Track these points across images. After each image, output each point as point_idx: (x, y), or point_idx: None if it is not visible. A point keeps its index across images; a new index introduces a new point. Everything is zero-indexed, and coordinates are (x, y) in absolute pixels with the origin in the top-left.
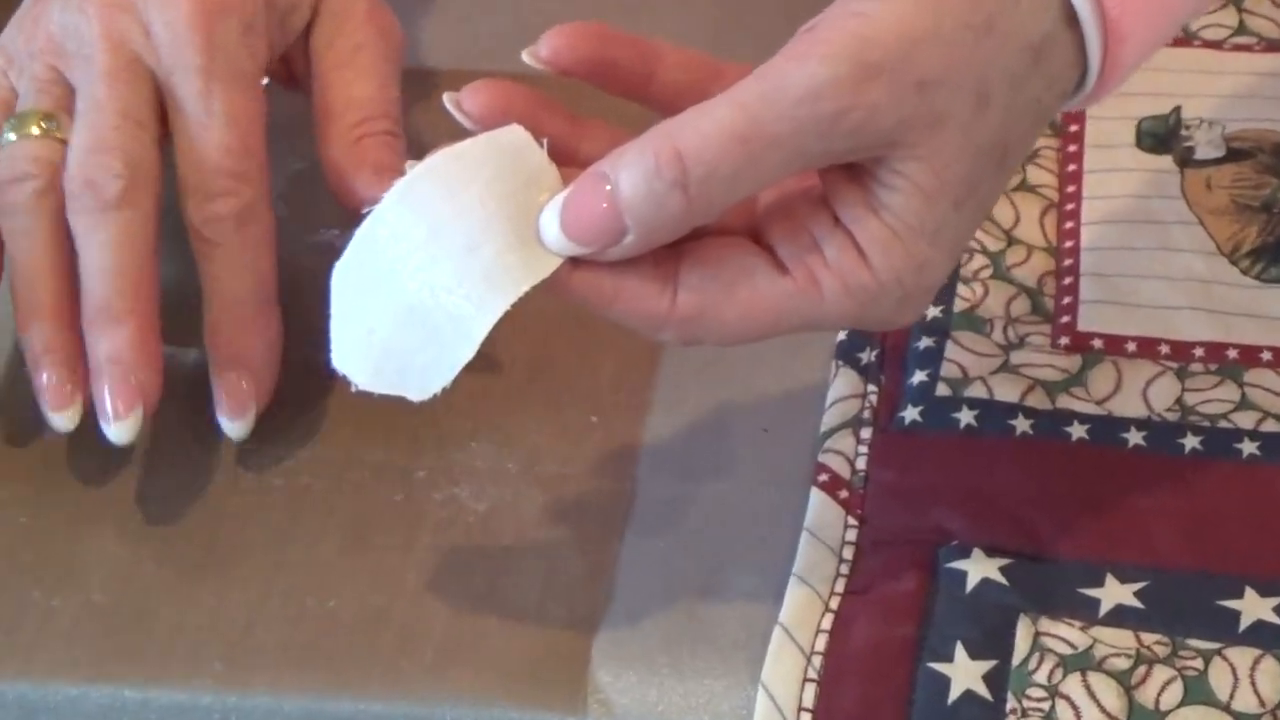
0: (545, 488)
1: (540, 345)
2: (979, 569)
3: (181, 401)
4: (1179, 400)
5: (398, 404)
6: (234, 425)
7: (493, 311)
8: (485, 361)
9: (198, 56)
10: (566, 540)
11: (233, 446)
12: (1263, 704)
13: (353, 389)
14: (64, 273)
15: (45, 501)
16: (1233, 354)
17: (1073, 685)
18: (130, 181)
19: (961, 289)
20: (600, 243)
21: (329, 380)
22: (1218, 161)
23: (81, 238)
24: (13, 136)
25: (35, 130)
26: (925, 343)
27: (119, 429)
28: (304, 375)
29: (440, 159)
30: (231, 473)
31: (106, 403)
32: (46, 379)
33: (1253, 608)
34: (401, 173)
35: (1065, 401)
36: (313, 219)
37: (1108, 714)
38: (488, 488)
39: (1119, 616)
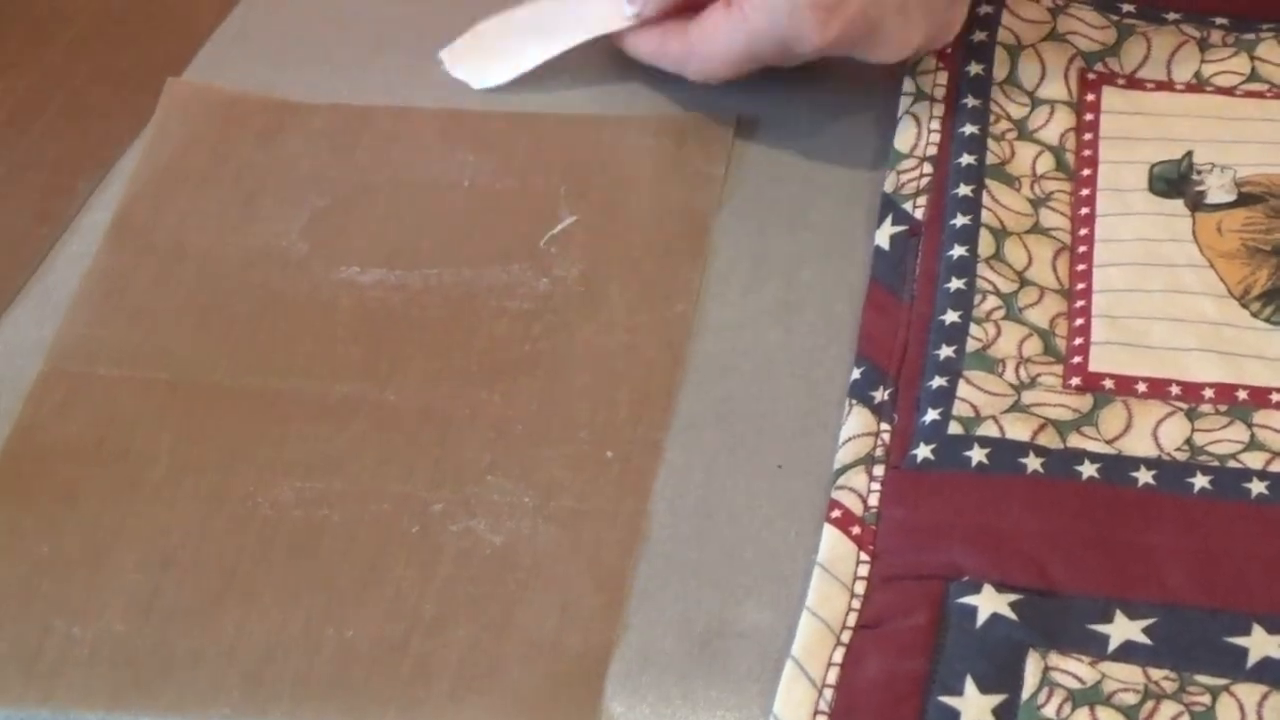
0: (561, 521)
1: (557, 381)
2: (989, 604)
3: (203, 431)
4: (1189, 440)
5: (415, 437)
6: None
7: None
8: (503, 397)
9: None
10: (581, 572)
11: (252, 476)
12: None
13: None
14: None
15: (65, 531)
16: (1242, 395)
17: None
18: None
19: (974, 329)
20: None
21: (349, 413)
22: (1229, 206)
23: None
24: None
25: None
26: (938, 382)
27: None
28: (324, 407)
29: None
30: (251, 503)
31: None
32: None
33: (1260, 644)
34: None
35: (1076, 441)
36: (335, 255)
37: None
38: (504, 520)
39: (1128, 652)
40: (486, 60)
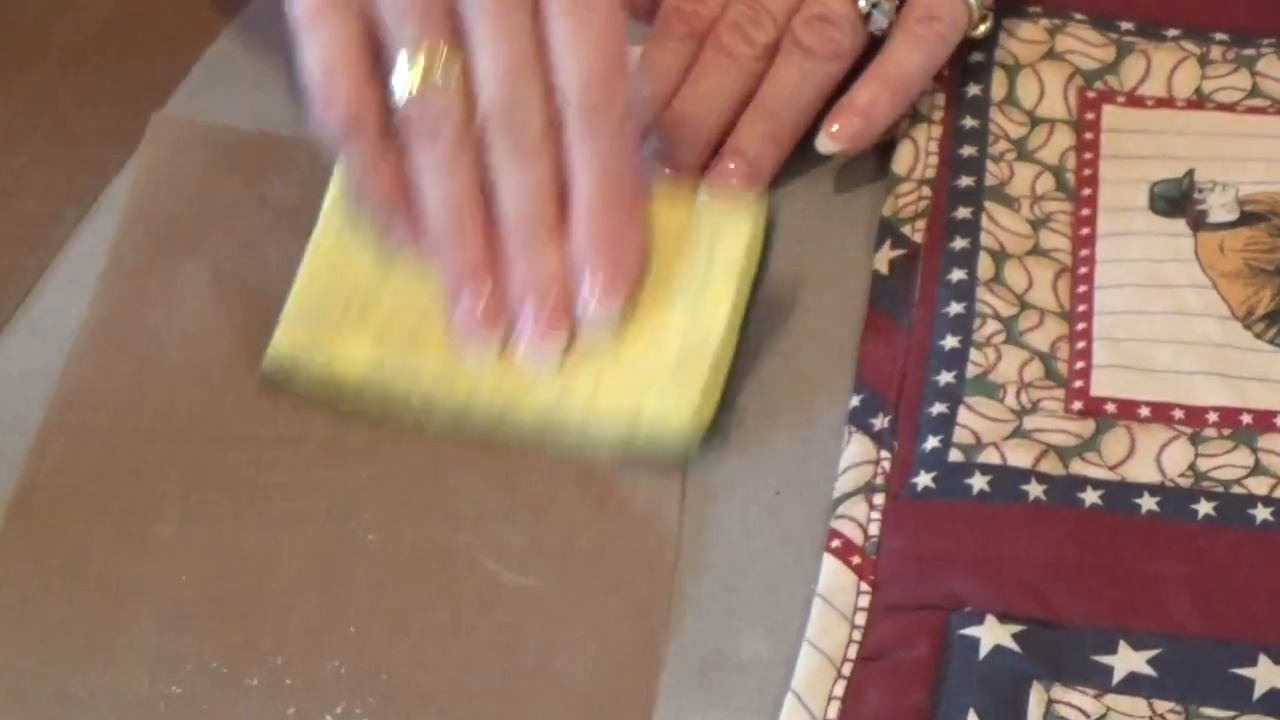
0: (586, 562)
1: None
2: (992, 635)
3: (212, 482)
4: (1192, 466)
5: (431, 479)
6: (605, 307)
7: None
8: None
9: None
10: (616, 617)
11: (266, 527)
12: None
13: None
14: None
15: (80, 590)
16: (1246, 419)
17: None
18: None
19: (974, 354)
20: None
21: (362, 458)
22: (1231, 225)
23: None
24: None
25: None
26: (938, 408)
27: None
28: (338, 453)
29: None
30: (269, 555)
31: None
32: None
33: (1267, 676)
34: None
35: (1078, 467)
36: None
37: None
38: (530, 563)
39: (1132, 684)
40: None
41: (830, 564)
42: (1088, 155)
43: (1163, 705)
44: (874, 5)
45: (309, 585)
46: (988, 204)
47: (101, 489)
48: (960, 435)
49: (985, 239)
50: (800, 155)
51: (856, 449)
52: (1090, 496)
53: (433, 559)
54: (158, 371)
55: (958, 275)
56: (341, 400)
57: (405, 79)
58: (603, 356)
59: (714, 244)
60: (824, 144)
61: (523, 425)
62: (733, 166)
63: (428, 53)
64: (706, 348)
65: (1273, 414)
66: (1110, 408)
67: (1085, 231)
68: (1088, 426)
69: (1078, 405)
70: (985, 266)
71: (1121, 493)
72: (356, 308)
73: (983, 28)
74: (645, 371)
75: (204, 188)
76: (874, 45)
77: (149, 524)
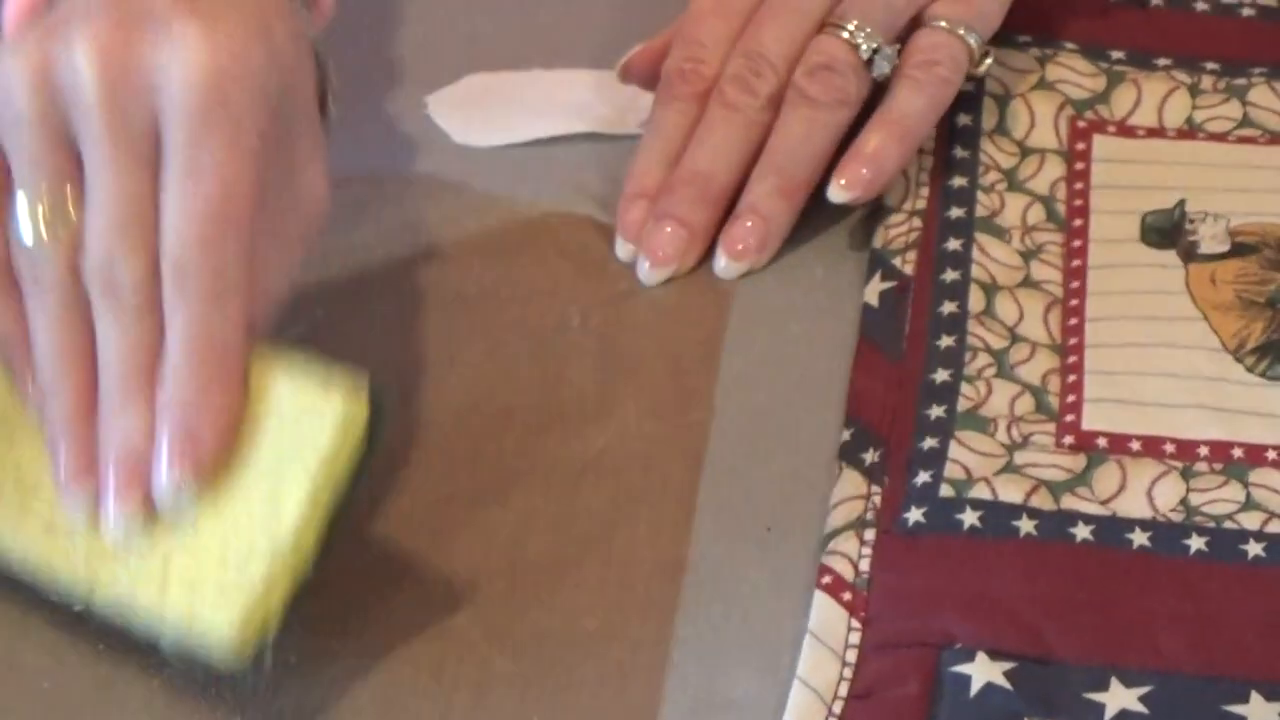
0: (590, 648)
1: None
2: (983, 673)
3: None
4: (1184, 501)
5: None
6: (174, 495)
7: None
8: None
9: None
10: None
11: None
12: None
13: None
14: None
15: (68, 666)
16: (1238, 453)
17: None
18: None
19: (965, 388)
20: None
21: (364, 563)
22: (1222, 256)
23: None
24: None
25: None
26: (929, 443)
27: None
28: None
29: None
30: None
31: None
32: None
33: (1259, 713)
34: None
35: (1069, 502)
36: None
37: None
38: (545, 650)
39: None
40: (470, 116)
41: (821, 600)
42: (1078, 185)
43: None
44: (875, 51)
45: (299, 673)
46: (978, 235)
47: None
48: (951, 470)
49: (976, 271)
50: None
51: (847, 484)
52: (1081, 532)
53: (433, 649)
54: None
55: (949, 308)
56: None
57: (24, 225)
58: (180, 538)
59: (298, 440)
60: (835, 194)
61: (103, 605)
62: (749, 224)
63: (46, 199)
64: (266, 561)
65: (1264, 448)
66: (1101, 442)
67: (1076, 263)
68: (1079, 461)
69: (1069, 439)
70: (976, 299)
71: (1113, 528)
72: None
73: (985, 65)
74: (207, 567)
75: None
76: (879, 91)
77: None
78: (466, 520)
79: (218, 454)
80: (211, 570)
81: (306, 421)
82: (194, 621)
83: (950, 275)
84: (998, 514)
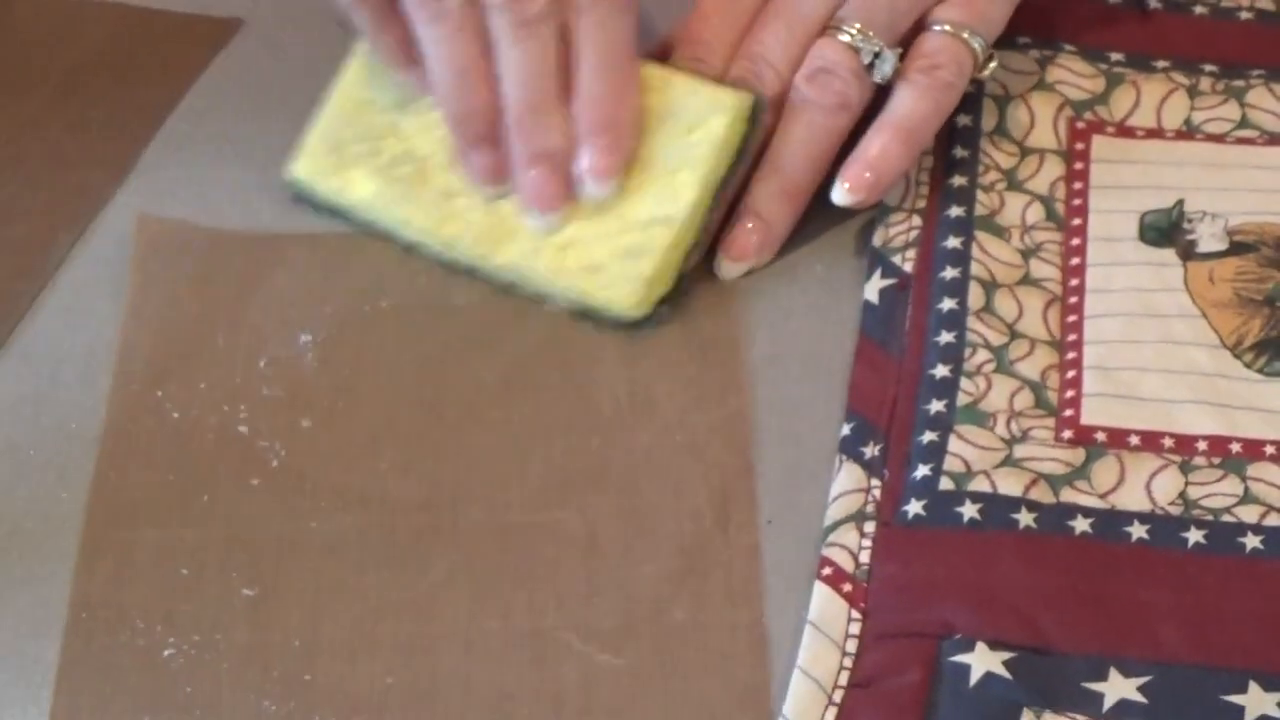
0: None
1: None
2: (982, 663)
3: (274, 591)
4: (1182, 494)
5: (502, 567)
6: (601, 186)
7: None
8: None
9: None
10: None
11: (342, 642)
12: None
13: None
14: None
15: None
16: (1236, 448)
17: None
18: None
19: (965, 383)
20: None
21: (425, 552)
22: (1221, 255)
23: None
24: None
25: None
26: (928, 437)
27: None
28: (395, 548)
29: None
30: (347, 670)
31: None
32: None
33: (1257, 703)
34: None
35: (1068, 495)
36: (360, 385)
37: None
38: (624, 641)
39: (1123, 712)
40: None
41: (821, 592)
42: (1077, 185)
43: None
44: (876, 55)
45: (394, 703)
46: (978, 233)
47: (163, 607)
48: (951, 464)
49: (976, 268)
50: None
51: (847, 477)
52: (1080, 525)
53: (520, 646)
54: (192, 477)
55: (948, 304)
56: (351, 221)
57: None
58: (577, 221)
59: (692, 130)
60: (838, 197)
61: (495, 272)
62: (750, 226)
63: None
64: (666, 230)
65: (1262, 443)
66: (1100, 436)
67: (1075, 261)
68: (1078, 455)
69: (1068, 434)
70: (976, 296)
71: (1112, 521)
72: (370, 144)
73: (989, 69)
74: (609, 242)
75: (201, 290)
76: (882, 94)
77: (217, 647)
78: (530, 519)
79: (633, 141)
80: (613, 239)
81: (703, 113)
82: (594, 280)
83: (950, 272)
84: (997, 507)
